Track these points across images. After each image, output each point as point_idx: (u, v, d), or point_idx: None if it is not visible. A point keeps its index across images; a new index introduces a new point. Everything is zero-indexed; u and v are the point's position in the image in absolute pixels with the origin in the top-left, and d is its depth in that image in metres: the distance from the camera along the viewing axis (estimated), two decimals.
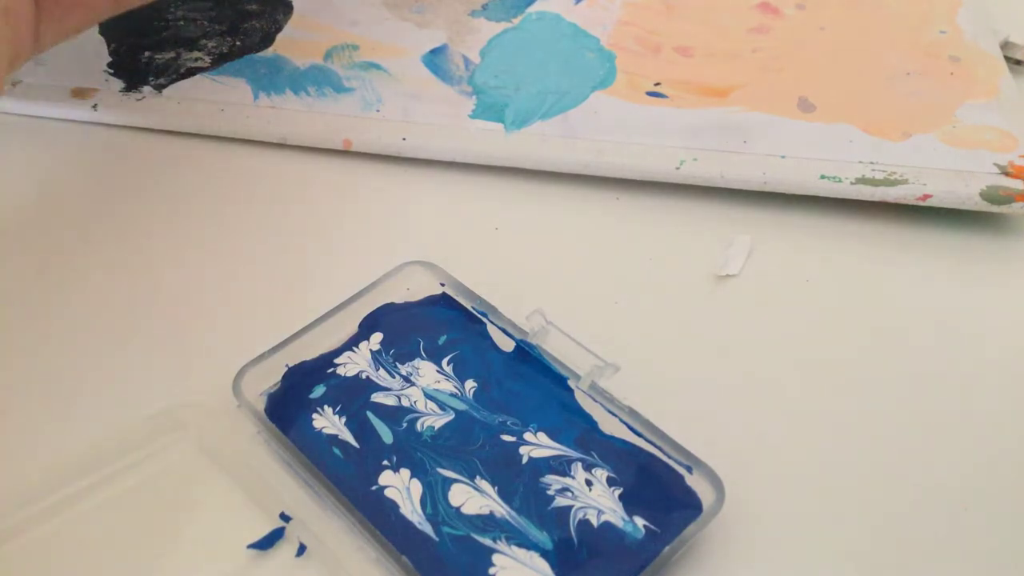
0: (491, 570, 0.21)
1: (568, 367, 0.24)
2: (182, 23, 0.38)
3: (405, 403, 0.24)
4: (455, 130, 0.32)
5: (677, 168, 0.30)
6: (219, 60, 0.36)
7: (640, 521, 0.21)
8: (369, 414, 0.24)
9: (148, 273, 0.29)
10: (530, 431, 0.23)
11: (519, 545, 0.21)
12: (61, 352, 0.27)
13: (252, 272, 0.29)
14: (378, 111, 0.33)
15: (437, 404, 0.24)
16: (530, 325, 0.25)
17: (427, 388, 0.24)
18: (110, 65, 0.36)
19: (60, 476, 0.23)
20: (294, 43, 0.37)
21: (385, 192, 0.31)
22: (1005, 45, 0.35)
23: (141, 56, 0.37)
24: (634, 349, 0.26)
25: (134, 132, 0.34)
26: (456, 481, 0.22)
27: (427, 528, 0.21)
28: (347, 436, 0.23)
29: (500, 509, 0.22)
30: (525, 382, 0.24)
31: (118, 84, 0.36)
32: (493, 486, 0.22)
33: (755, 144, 0.30)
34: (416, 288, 0.27)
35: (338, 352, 0.25)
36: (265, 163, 0.33)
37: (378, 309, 0.26)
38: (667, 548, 0.21)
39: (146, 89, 0.35)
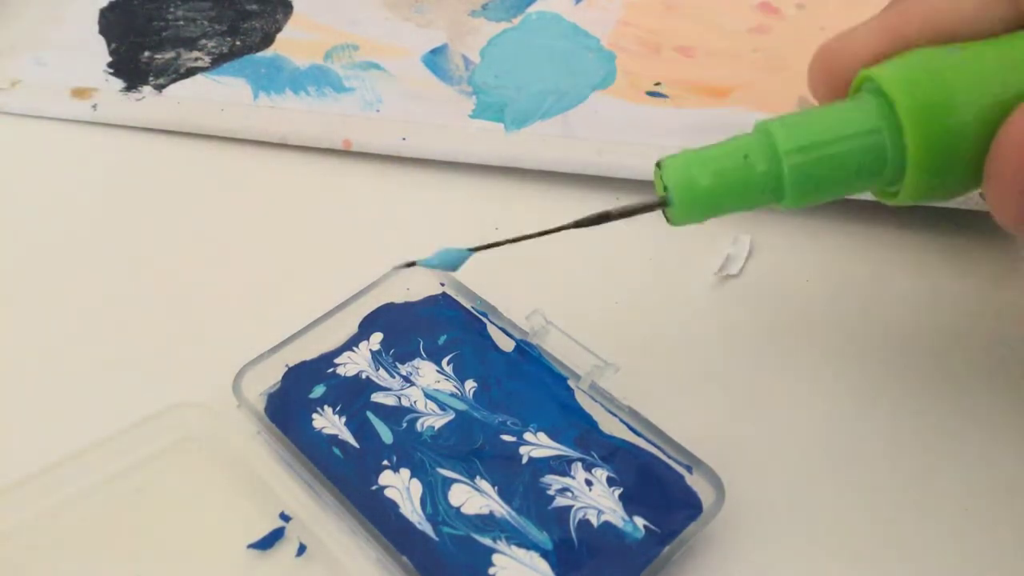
0: (491, 570, 0.21)
1: (568, 367, 0.24)
2: (182, 23, 0.38)
3: (405, 403, 0.24)
4: (455, 130, 0.32)
5: None
6: (219, 60, 0.36)
7: (640, 521, 0.21)
8: (369, 414, 0.24)
9: (148, 273, 0.29)
10: (530, 431, 0.23)
11: (519, 545, 0.21)
12: (61, 352, 0.27)
13: (252, 272, 0.29)
14: (378, 111, 0.33)
15: (437, 404, 0.24)
16: (530, 325, 0.25)
17: (427, 388, 0.24)
18: (110, 65, 0.36)
19: (60, 476, 0.23)
20: (294, 43, 0.37)
21: (385, 192, 0.31)
22: None
23: (141, 56, 0.37)
24: (634, 349, 0.26)
25: (134, 132, 0.34)
26: (456, 481, 0.22)
27: (427, 528, 0.21)
28: (347, 436, 0.23)
29: (500, 509, 0.22)
30: (525, 382, 0.24)
31: (118, 84, 0.35)
32: (493, 486, 0.22)
33: None
34: (416, 288, 0.27)
35: (338, 352, 0.25)
36: (265, 163, 0.33)
37: (378, 309, 0.26)
38: (667, 548, 0.21)
39: (146, 89, 0.35)
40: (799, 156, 0.20)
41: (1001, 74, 0.19)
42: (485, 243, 0.22)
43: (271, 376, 0.25)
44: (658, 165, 0.20)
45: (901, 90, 0.19)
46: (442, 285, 0.27)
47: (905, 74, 0.19)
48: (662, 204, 0.20)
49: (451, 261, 0.22)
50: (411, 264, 0.23)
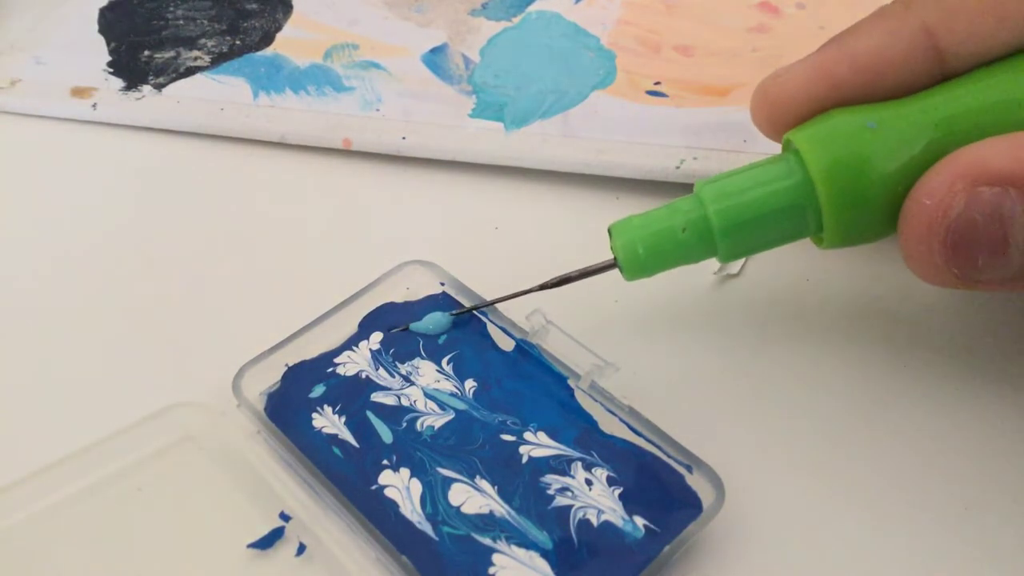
0: (491, 570, 0.21)
1: (568, 367, 0.24)
2: (182, 22, 0.38)
3: (405, 403, 0.24)
4: (455, 130, 0.32)
5: (677, 168, 0.30)
6: (219, 59, 0.36)
7: (640, 521, 0.21)
8: (369, 414, 0.24)
9: (147, 272, 0.29)
10: (530, 431, 0.23)
11: (519, 545, 0.21)
12: (61, 352, 0.27)
13: (252, 272, 0.29)
14: (378, 111, 0.33)
15: (437, 404, 0.24)
16: (530, 325, 0.25)
17: (427, 388, 0.24)
18: (110, 64, 0.36)
19: (60, 476, 0.23)
20: (294, 42, 0.37)
21: (385, 192, 0.31)
22: None
23: (141, 55, 0.37)
24: (634, 349, 0.26)
25: (134, 132, 0.34)
26: (456, 481, 0.22)
27: (427, 528, 0.21)
28: (347, 436, 0.23)
29: (500, 509, 0.22)
30: (525, 382, 0.24)
31: (118, 83, 0.36)
32: (493, 486, 0.22)
33: (755, 143, 0.30)
34: (416, 288, 0.27)
35: (338, 352, 0.25)
36: (265, 163, 0.33)
37: (378, 309, 0.26)
38: (667, 548, 0.21)
39: (146, 88, 0.35)
40: (726, 218, 0.22)
41: (910, 140, 0.21)
42: (465, 307, 0.26)
43: (271, 376, 0.25)
44: (609, 231, 0.23)
45: (814, 154, 0.21)
46: (442, 285, 0.27)
47: (819, 138, 0.21)
48: (615, 265, 0.23)
49: (437, 324, 0.26)
50: (404, 328, 0.26)
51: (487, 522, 0.21)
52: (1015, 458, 0.23)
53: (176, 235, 0.30)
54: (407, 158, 0.32)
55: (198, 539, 0.22)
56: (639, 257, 0.23)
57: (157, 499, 0.23)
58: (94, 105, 0.35)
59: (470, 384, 0.24)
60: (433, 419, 0.24)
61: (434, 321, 0.25)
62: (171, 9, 0.39)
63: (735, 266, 0.28)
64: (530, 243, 0.29)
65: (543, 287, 0.24)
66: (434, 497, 0.22)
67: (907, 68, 0.21)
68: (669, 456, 0.22)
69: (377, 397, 0.24)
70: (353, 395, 0.24)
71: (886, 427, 0.24)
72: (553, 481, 0.22)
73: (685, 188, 0.30)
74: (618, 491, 0.22)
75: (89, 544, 0.22)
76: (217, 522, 0.22)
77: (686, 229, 0.22)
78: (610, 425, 0.23)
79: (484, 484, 0.22)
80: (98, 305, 0.28)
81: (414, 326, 0.25)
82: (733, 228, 0.22)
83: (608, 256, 0.24)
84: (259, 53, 0.36)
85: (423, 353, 0.25)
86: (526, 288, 0.25)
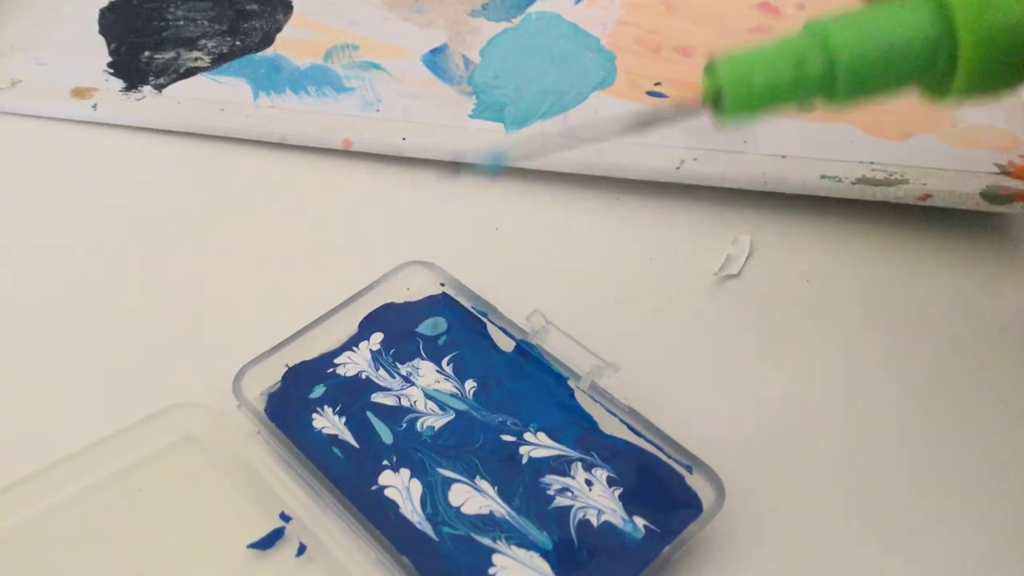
0: (491, 570, 0.21)
1: (568, 367, 0.24)
2: (182, 23, 0.38)
3: (405, 403, 0.24)
4: (455, 130, 0.32)
5: (677, 168, 0.30)
6: (219, 60, 0.36)
7: (640, 521, 0.21)
8: (369, 414, 0.24)
9: (148, 273, 0.29)
10: (530, 431, 0.23)
11: (519, 545, 0.21)
12: (61, 352, 0.27)
13: (252, 272, 0.29)
14: (378, 111, 0.33)
15: (437, 404, 0.24)
16: (530, 325, 0.25)
17: (427, 388, 0.24)
18: (110, 65, 0.36)
19: (60, 476, 0.23)
20: (294, 43, 0.37)
21: (385, 192, 0.31)
22: None
23: (141, 56, 0.37)
24: (634, 349, 0.26)
25: (134, 132, 0.34)
26: (456, 481, 0.22)
27: (427, 528, 0.21)
28: (347, 436, 0.23)
29: (500, 509, 0.22)
30: (525, 382, 0.24)
31: (118, 84, 0.36)
32: (493, 486, 0.22)
33: (756, 144, 0.30)
34: (416, 288, 0.27)
35: (338, 352, 0.25)
36: (265, 163, 0.33)
37: (378, 309, 0.26)
38: (667, 548, 0.21)
39: (146, 89, 0.35)
40: (853, 53, 0.20)
41: None
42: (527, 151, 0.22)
43: (271, 376, 0.25)
44: (708, 69, 0.20)
45: None
46: (442, 285, 0.27)
47: None
48: (716, 100, 0.20)
49: (494, 157, 0.22)
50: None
51: (487, 522, 0.21)
52: (1016, 459, 0.23)
53: (176, 235, 0.30)
54: (407, 158, 0.32)
55: (198, 539, 0.22)
56: (752, 88, 0.20)
57: (157, 499, 0.23)
58: (94, 106, 0.35)
59: (470, 385, 0.24)
60: (433, 419, 0.24)
61: (492, 151, 0.22)
62: (171, 10, 0.39)
63: (735, 266, 0.28)
64: (530, 243, 0.29)
65: (626, 128, 0.21)
66: (434, 497, 0.22)
67: None
68: (669, 456, 0.22)
69: (377, 398, 0.24)
70: (353, 395, 0.24)
71: (886, 427, 0.24)
72: (553, 481, 0.22)
73: (686, 188, 0.30)
74: (618, 491, 0.22)
75: (89, 544, 0.22)
76: (217, 522, 0.22)
77: (805, 61, 0.20)
78: (610, 426, 0.23)
79: (484, 484, 0.22)
80: (98, 305, 0.28)
81: (477, 159, 0.22)
82: (859, 60, 0.20)
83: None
84: (259, 54, 0.36)
85: (423, 354, 0.25)
86: (610, 130, 0.21)
